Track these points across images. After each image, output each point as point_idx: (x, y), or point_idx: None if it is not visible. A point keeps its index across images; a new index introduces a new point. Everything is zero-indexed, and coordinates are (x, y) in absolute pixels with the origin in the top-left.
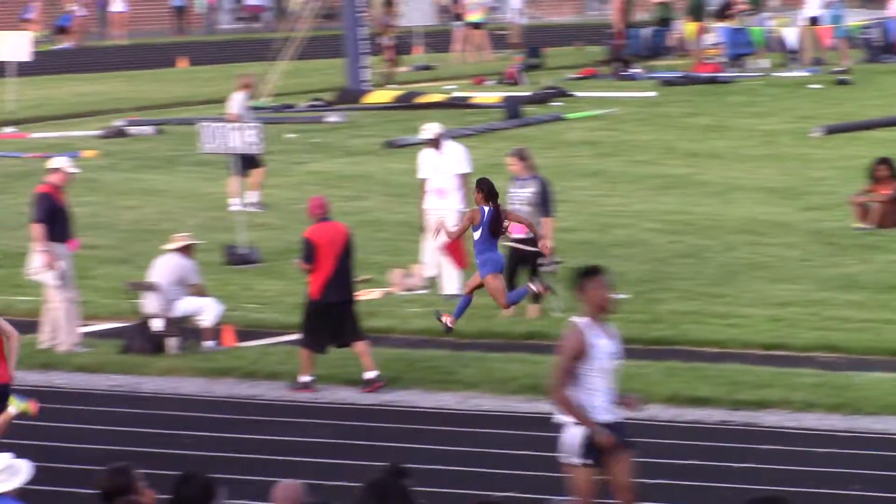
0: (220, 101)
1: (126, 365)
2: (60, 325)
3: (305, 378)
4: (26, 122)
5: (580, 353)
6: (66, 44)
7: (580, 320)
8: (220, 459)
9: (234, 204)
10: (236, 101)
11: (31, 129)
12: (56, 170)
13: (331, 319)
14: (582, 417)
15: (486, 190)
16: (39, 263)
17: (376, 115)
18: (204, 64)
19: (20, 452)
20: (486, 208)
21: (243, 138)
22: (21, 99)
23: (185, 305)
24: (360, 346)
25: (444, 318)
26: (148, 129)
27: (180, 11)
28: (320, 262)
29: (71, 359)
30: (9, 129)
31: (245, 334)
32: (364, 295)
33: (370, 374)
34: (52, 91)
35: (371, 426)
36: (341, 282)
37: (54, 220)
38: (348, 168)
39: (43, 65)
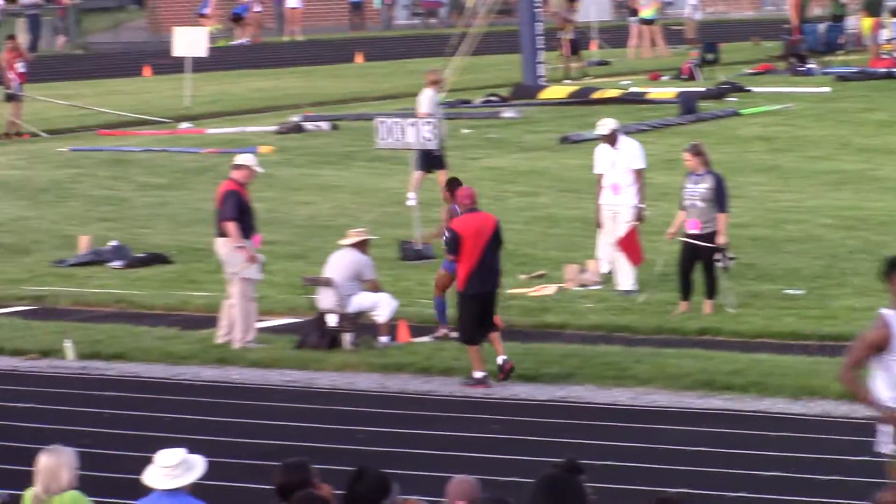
0: (396, 97)
1: (301, 360)
2: (237, 321)
3: (479, 374)
4: (202, 118)
5: (881, 344)
6: (241, 39)
7: (887, 312)
8: (394, 455)
9: (412, 199)
10: (426, 98)
11: (208, 125)
12: (241, 166)
13: (477, 310)
14: (868, 400)
15: (452, 190)
16: (239, 260)
17: (551, 110)
18: (379, 60)
19: (195, 448)
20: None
21: (419, 134)
22: (197, 94)
23: (360, 301)
24: (493, 334)
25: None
26: (323, 125)
27: (357, 7)
28: (466, 254)
29: (246, 354)
30: (185, 125)
31: (419, 330)
32: (538, 290)
33: (501, 359)
34: (227, 87)
35: (544, 422)
36: (487, 272)
37: (241, 216)
38: (523, 164)
39: (219, 60)
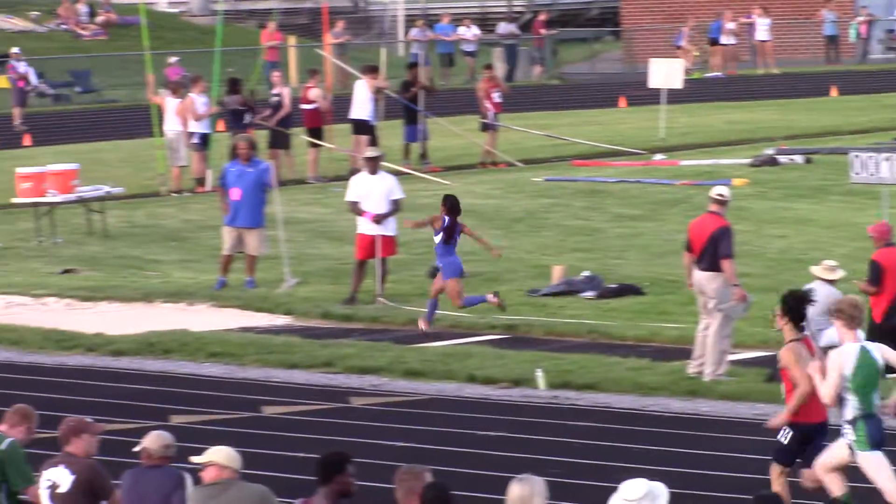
0: (870, 131)
1: (770, 394)
2: (710, 354)
3: None
4: (676, 150)
5: None
6: (716, 72)
7: None
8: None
9: None
10: None
11: (681, 157)
12: (718, 198)
13: (891, 342)
14: None
15: (448, 204)
16: (731, 297)
17: None
18: (854, 94)
19: (662, 479)
20: (447, 218)
21: (894, 169)
22: (671, 126)
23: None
24: None
25: (420, 325)
26: (798, 158)
27: (832, 40)
28: (887, 286)
29: (716, 387)
30: (659, 157)
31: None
32: None
33: None
34: (701, 119)
35: None
36: None
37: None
38: None
39: (693, 92)
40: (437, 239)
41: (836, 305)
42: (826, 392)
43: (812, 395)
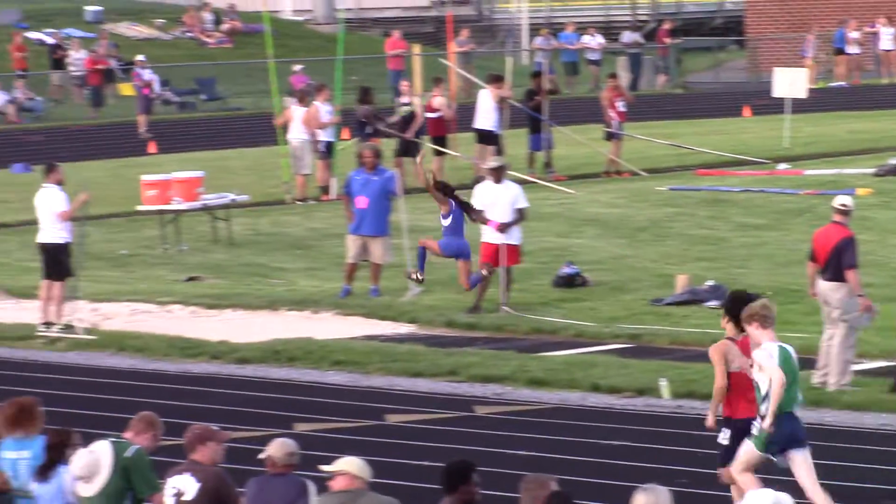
0: None
1: (894, 404)
2: (833, 364)
3: None
4: (800, 159)
5: None
6: (839, 82)
7: None
8: None
9: None
10: None
11: (805, 166)
12: (842, 208)
13: None
14: None
15: (442, 189)
16: (856, 307)
17: None
18: None
19: (787, 489)
20: (452, 202)
21: None
22: (795, 136)
23: None
24: None
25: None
26: None
27: None
28: None
29: (840, 397)
30: (783, 166)
31: None
32: None
33: None
34: (825, 128)
35: None
36: None
37: None
38: None
39: (817, 102)
40: (447, 222)
41: (748, 311)
42: (776, 385)
43: (741, 394)
